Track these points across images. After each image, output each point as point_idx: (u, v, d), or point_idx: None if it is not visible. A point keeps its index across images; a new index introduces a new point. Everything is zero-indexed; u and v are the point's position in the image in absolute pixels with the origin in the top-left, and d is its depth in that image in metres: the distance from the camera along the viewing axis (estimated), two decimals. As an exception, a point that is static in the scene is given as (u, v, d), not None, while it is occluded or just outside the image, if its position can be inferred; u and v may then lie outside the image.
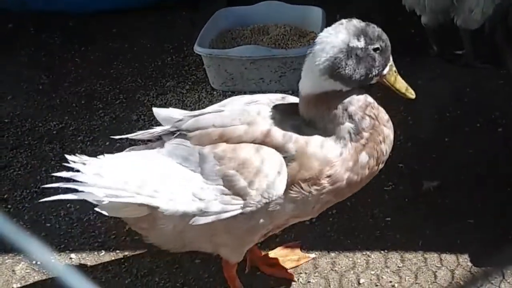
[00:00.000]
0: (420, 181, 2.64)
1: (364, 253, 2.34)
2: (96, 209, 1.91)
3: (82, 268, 2.38)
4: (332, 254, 2.35)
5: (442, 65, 3.42)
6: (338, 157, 1.79)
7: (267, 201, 1.78)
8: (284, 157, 1.78)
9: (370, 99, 1.85)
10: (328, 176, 1.78)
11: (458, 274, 2.22)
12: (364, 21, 1.80)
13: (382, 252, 2.34)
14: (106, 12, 4.14)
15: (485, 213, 2.46)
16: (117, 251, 2.43)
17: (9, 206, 2.70)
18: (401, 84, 1.89)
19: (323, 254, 2.35)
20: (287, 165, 1.77)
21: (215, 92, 3.37)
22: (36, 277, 2.35)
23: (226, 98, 3.28)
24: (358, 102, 1.81)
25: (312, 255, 2.34)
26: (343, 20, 1.79)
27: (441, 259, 2.29)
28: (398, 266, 2.28)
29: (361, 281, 2.24)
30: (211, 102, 3.29)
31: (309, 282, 2.25)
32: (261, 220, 1.84)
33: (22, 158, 2.99)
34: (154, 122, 3.16)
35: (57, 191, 1.94)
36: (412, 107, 3.02)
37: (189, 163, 1.84)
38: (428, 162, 2.75)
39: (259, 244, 2.34)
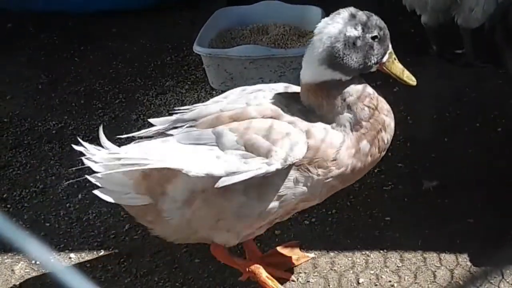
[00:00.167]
0: (419, 180, 2.64)
1: (363, 252, 2.34)
2: (96, 192, 1.91)
3: (82, 267, 2.38)
4: (332, 254, 2.35)
5: (442, 65, 3.42)
6: (342, 143, 1.82)
7: (291, 161, 1.76)
8: None
9: (369, 89, 1.87)
10: (334, 160, 1.81)
11: (458, 273, 2.22)
12: (361, 10, 1.83)
13: (381, 251, 2.34)
14: (106, 12, 4.14)
15: (485, 213, 2.46)
16: (117, 251, 2.43)
17: (9, 206, 2.69)
18: (401, 71, 1.91)
19: (322, 253, 2.35)
20: None
21: (214, 92, 3.37)
22: (35, 277, 2.35)
23: (225, 97, 3.30)
24: (357, 92, 1.84)
25: (311, 255, 2.34)
26: (340, 10, 1.82)
27: (440, 259, 2.29)
28: (398, 266, 2.28)
29: (360, 280, 2.23)
30: (211, 102, 3.29)
31: (308, 281, 2.24)
32: (272, 204, 1.84)
33: (22, 158, 2.99)
34: (153, 121, 3.16)
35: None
36: (411, 107, 3.02)
37: (203, 142, 1.83)
38: (428, 162, 2.75)
39: (258, 244, 2.34)
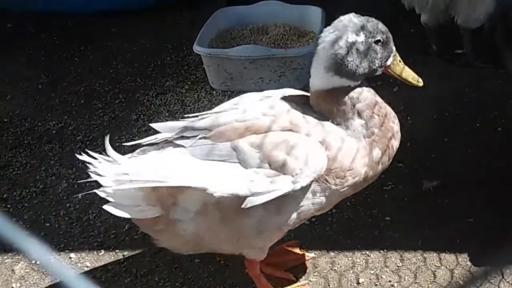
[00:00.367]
0: (419, 180, 2.64)
1: (363, 252, 2.34)
2: (106, 207, 1.84)
3: (82, 267, 2.38)
4: (332, 254, 2.35)
5: (442, 65, 3.42)
6: (356, 151, 1.83)
7: (314, 176, 1.76)
8: None
9: (378, 98, 1.89)
10: (351, 170, 1.82)
11: (458, 273, 2.22)
12: (362, 15, 1.84)
13: (381, 251, 2.34)
14: (106, 12, 4.14)
15: (485, 213, 2.46)
16: (117, 251, 2.43)
17: (9, 206, 2.69)
18: (407, 73, 1.92)
19: (322, 253, 2.35)
20: None
21: (214, 92, 3.37)
22: (35, 277, 2.35)
23: (225, 97, 3.30)
24: (366, 100, 1.85)
25: (312, 255, 2.34)
26: (342, 17, 1.84)
27: (440, 259, 2.29)
28: (398, 266, 2.28)
29: (360, 280, 2.24)
30: (210, 102, 3.29)
31: (308, 281, 2.24)
32: (292, 216, 1.84)
33: (22, 158, 2.99)
34: (153, 121, 3.16)
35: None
36: (411, 107, 3.02)
37: (222, 158, 1.79)
38: (428, 162, 2.75)
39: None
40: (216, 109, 1.99)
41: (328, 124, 1.85)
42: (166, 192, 1.84)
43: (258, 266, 2.09)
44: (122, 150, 2.07)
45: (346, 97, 1.84)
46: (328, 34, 1.82)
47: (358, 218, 2.49)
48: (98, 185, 1.88)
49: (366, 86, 1.88)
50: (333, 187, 1.83)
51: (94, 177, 1.86)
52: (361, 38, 1.80)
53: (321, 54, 1.83)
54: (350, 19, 1.82)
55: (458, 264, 2.26)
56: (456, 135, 2.90)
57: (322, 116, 1.87)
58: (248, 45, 3.40)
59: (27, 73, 3.67)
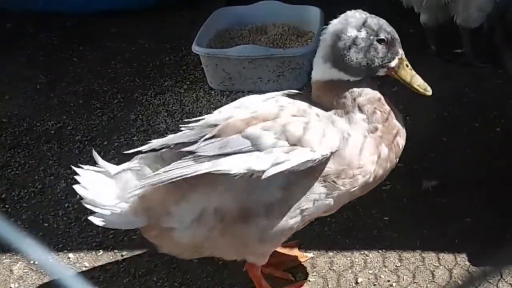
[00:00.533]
0: (419, 180, 2.64)
1: (362, 252, 2.34)
2: (91, 218, 1.87)
3: (80, 267, 2.37)
4: (330, 254, 2.35)
5: (442, 65, 3.42)
6: (362, 143, 1.81)
7: (331, 151, 1.72)
8: None
9: (380, 95, 1.89)
10: (360, 167, 1.80)
11: (456, 273, 2.22)
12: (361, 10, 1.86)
13: (380, 251, 2.34)
14: (106, 12, 4.14)
15: (484, 213, 2.46)
16: (115, 251, 2.43)
17: (7, 206, 2.69)
18: (414, 80, 1.90)
19: (321, 253, 2.35)
20: None
21: (213, 92, 3.37)
22: (34, 277, 2.34)
23: (224, 97, 3.31)
24: (367, 95, 1.85)
25: (310, 255, 2.34)
26: (348, 12, 1.86)
27: (439, 259, 2.29)
28: (396, 266, 2.28)
29: (359, 280, 2.23)
30: (209, 102, 3.29)
31: (307, 281, 2.24)
32: (295, 219, 1.82)
33: (20, 158, 2.98)
34: (152, 121, 3.16)
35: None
36: (411, 107, 3.02)
37: (237, 150, 1.71)
38: (427, 162, 2.75)
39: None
40: (216, 112, 1.95)
41: (332, 116, 1.84)
42: (156, 201, 1.82)
43: (259, 269, 2.09)
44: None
45: (346, 91, 1.84)
46: (331, 26, 1.84)
47: (357, 218, 2.49)
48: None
49: (370, 87, 1.87)
50: (342, 188, 1.80)
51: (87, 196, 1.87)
52: (362, 34, 1.80)
53: (322, 44, 1.86)
54: (354, 15, 1.83)
55: (456, 264, 2.26)
56: (456, 135, 2.90)
57: (327, 111, 1.86)
58: (246, 45, 3.40)
59: (26, 73, 3.67)
